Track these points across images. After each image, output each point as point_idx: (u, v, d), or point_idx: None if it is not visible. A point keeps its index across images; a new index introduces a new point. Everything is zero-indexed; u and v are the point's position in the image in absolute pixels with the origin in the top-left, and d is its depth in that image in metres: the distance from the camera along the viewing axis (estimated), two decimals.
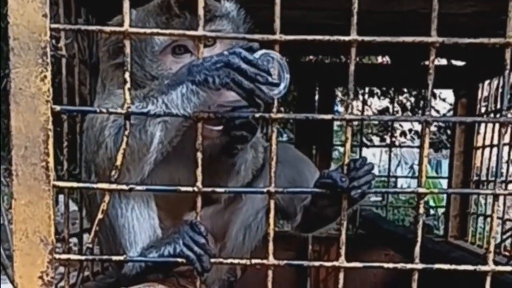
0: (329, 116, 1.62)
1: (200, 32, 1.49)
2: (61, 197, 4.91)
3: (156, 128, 1.84)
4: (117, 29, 1.51)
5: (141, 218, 2.08)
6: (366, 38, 1.47)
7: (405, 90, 7.48)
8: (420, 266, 1.57)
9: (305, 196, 2.25)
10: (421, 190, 1.55)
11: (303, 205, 2.26)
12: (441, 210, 8.33)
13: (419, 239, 1.57)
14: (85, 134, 2.11)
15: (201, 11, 1.48)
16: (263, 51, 1.65)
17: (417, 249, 1.57)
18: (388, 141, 8.11)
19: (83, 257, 1.64)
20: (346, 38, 1.48)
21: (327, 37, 1.48)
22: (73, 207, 3.84)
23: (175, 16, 2.00)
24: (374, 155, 10.92)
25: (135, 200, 2.07)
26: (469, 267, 1.59)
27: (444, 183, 7.26)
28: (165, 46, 2.01)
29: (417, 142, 8.37)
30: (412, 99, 8.07)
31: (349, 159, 1.68)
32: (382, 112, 8.33)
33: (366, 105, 5.57)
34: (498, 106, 3.69)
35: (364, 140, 5.71)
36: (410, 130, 8.51)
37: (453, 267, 1.58)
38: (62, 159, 2.31)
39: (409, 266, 1.58)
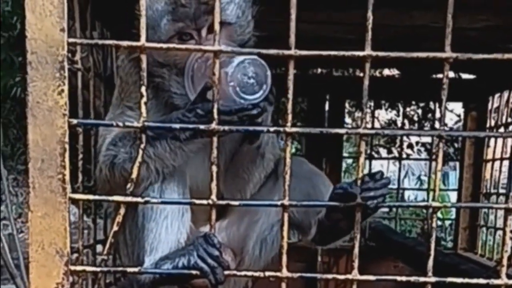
0: (343, 131, 1.62)
1: (216, 47, 1.50)
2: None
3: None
4: (134, 43, 1.52)
5: (170, 228, 2.11)
6: (381, 53, 1.47)
7: (413, 102, 7.49)
8: (433, 279, 1.56)
9: (320, 210, 2.26)
10: (434, 204, 1.56)
11: (317, 218, 2.27)
12: (448, 222, 8.31)
13: (432, 252, 1.57)
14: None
15: (217, 26, 1.49)
16: (238, 60, 1.68)
17: (430, 262, 1.57)
18: (395, 152, 8.13)
19: (98, 269, 1.65)
20: (361, 53, 1.47)
21: (342, 52, 1.47)
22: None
23: (180, 6, 2.04)
24: (382, 166, 10.91)
25: (171, 209, 2.10)
26: (482, 281, 1.59)
27: (451, 195, 7.24)
28: (171, 35, 2.07)
29: (423, 154, 8.36)
30: (420, 111, 8.07)
31: (367, 173, 1.68)
32: (389, 125, 8.33)
33: (374, 117, 5.58)
34: (509, 119, 3.69)
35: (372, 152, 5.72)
36: (417, 143, 8.50)
37: (466, 280, 1.58)
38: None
39: (422, 279, 1.57)
